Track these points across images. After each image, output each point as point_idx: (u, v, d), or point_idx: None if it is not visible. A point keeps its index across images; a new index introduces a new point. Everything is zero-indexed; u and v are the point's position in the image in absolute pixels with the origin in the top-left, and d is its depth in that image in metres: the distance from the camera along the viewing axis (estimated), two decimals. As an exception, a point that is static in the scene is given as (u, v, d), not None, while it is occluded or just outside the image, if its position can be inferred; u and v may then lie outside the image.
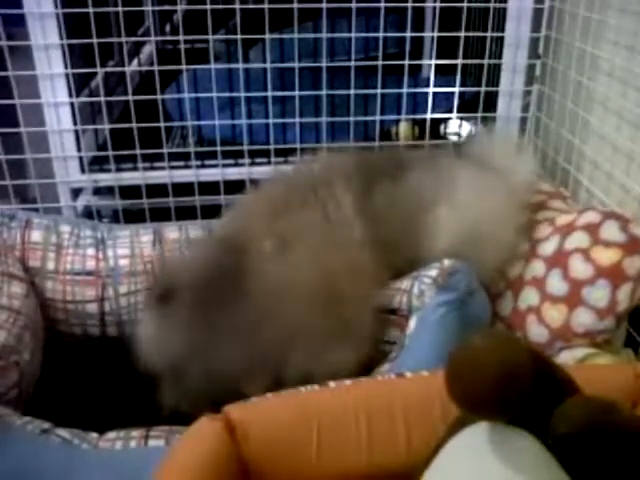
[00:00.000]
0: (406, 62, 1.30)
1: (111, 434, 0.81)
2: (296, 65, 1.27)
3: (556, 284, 0.99)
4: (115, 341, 1.16)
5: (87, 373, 1.13)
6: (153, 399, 0.96)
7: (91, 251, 1.16)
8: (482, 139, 1.22)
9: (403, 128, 1.47)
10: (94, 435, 0.80)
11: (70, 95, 1.26)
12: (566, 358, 0.94)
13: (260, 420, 0.67)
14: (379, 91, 1.31)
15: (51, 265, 1.13)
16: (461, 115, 1.43)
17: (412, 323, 0.92)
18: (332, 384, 0.72)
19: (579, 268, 0.96)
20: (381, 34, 1.28)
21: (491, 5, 1.29)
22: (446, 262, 0.95)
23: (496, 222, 1.04)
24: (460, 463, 0.57)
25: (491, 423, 0.56)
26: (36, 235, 1.15)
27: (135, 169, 1.33)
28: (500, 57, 1.35)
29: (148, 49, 1.71)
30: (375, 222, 1.03)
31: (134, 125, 1.27)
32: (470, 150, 1.18)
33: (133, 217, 1.36)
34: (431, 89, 1.35)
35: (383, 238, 1.02)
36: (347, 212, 1.02)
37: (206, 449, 0.63)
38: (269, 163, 1.35)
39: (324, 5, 1.23)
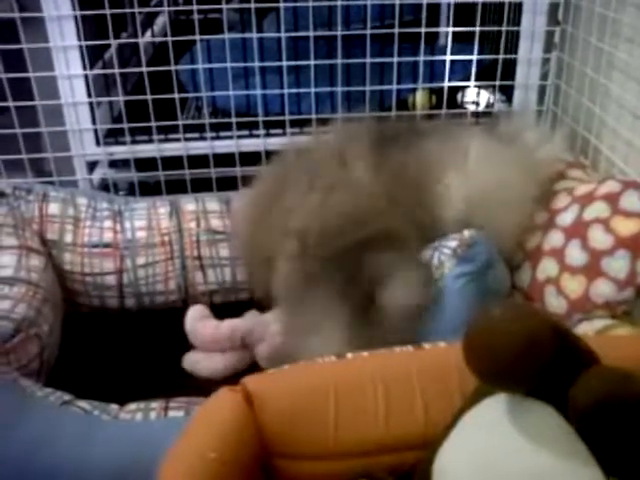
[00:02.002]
0: (423, 30, 1.28)
1: (131, 405, 0.81)
2: (311, 34, 1.25)
3: (575, 255, 0.98)
4: (133, 312, 1.17)
5: (106, 345, 1.14)
6: (172, 370, 0.97)
7: (108, 223, 1.16)
8: (513, 115, 1.21)
9: (420, 97, 1.45)
10: (114, 406, 0.81)
11: (84, 67, 1.25)
12: (585, 329, 0.93)
13: (277, 391, 0.68)
14: (395, 59, 1.29)
15: (69, 238, 1.14)
16: (479, 83, 1.41)
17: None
18: (349, 355, 0.72)
19: (599, 238, 0.95)
20: (397, 1, 1.26)
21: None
22: (466, 233, 0.95)
23: (511, 192, 1.03)
24: (478, 434, 0.57)
25: (510, 395, 0.56)
26: (53, 208, 1.15)
27: (150, 141, 1.32)
28: (518, 24, 1.32)
29: (161, 20, 1.70)
30: (390, 188, 1.02)
31: (149, 97, 1.26)
32: (498, 124, 1.17)
33: (149, 190, 1.36)
34: (448, 57, 1.33)
35: (397, 204, 1.02)
36: (364, 180, 1.02)
37: (226, 419, 0.64)
38: (284, 134, 1.34)
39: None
